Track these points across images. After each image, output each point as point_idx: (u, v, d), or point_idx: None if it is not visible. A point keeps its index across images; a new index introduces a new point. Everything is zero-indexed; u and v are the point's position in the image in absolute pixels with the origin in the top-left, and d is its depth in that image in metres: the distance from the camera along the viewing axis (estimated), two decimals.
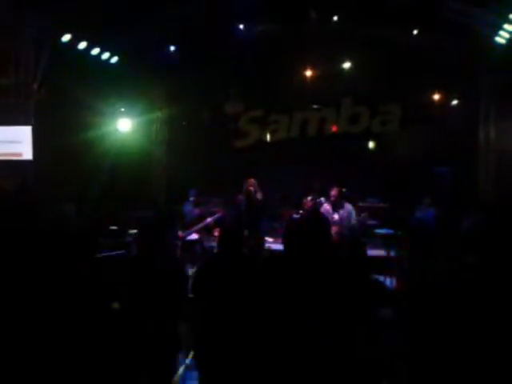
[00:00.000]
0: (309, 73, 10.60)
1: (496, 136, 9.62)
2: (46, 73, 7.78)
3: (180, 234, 7.66)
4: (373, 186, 10.17)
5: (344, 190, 8.19)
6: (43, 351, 2.51)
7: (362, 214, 7.81)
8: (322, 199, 8.05)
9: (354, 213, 7.70)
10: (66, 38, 7.92)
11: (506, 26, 8.10)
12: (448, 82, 10.05)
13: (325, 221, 3.06)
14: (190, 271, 5.72)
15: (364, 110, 10.94)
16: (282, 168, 10.17)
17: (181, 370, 4.36)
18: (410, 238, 7.45)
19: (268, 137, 11.34)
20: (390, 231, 8.53)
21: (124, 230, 7.92)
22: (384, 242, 8.35)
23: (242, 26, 9.24)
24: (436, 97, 10.45)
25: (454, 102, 10.40)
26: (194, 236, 7.79)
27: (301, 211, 8.28)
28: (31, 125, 7.64)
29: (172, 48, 9.52)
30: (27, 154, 7.60)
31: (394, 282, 6.92)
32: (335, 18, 9.23)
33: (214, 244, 4.80)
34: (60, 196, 7.54)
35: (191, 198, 7.98)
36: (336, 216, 7.54)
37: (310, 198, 8.26)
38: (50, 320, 2.67)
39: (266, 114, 11.18)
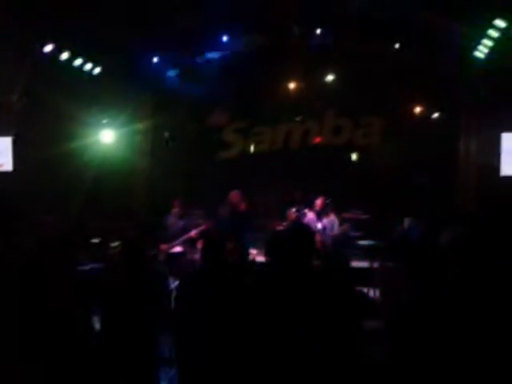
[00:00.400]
0: (292, 85, 10.68)
1: (476, 149, 9.78)
2: (27, 83, 7.70)
3: (163, 246, 7.60)
4: (356, 198, 10.23)
5: (329, 200, 8.33)
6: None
7: (344, 225, 7.99)
8: (306, 210, 8.14)
9: (337, 223, 7.87)
10: (48, 48, 7.86)
11: (485, 41, 8.27)
12: (429, 96, 10.22)
13: (310, 234, 3.06)
14: (174, 284, 5.66)
15: (346, 123, 11.05)
16: (266, 179, 10.18)
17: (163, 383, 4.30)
18: (393, 250, 7.52)
19: (252, 148, 11.36)
20: (373, 243, 8.61)
21: (106, 243, 7.82)
22: (367, 254, 8.40)
23: (225, 38, 9.27)
24: (417, 110, 10.60)
25: (435, 115, 10.56)
26: (178, 248, 7.73)
27: (285, 223, 8.31)
28: (12, 136, 7.54)
29: (156, 59, 9.50)
30: (7, 165, 7.50)
31: (378, 293, 6.94)
32: (318, 32, 9.32)
33: (198, 256, 4.76)
34: (41, 207, 7.42)
35: (175, 210, 7.92)
36: (319, 225, 7.78)
37: (294, 209, 8.34)
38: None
39: (249, 125, 11.21)
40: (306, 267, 2.99)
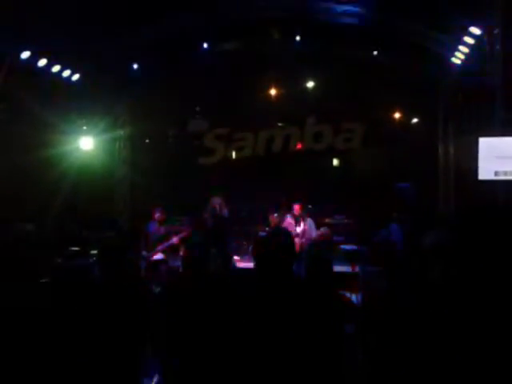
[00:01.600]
0: (273, 91, 10.73)
1: (454, 153, 9.93)
2: (4, 90, 7.57)
3: (144, 253, 7.53)
4: (337, 203, 10.30)
5: (310, 206, 8.42)
6: None
7: (323, 229, 8.17)
8: (287, 215, 8.25)
9: (314, 227, 8.24)
10: (26, 54, 7.75)
11: (461, 48, 8.42)
12: (408, 101, 10.37)
13: (289, 235, 3.06)
14: (155, 291, 5.60)
15: (327, 128, 11.12)
16: (248, 185, 10.17)
17: None
18: (375, 254, 7.57)
19: (233, 154, 11.35)
20: (355, 247, 8.66)
21: (86, 251, 7.71)
22: (349, 258, 8.45)
23: (206, 45, 9.27)
24: (397, 115, 10.75)
25: (415, 120, 10.71)
26: (160, 256, 7.67)
27: (267, 228, 8.33)
28: None
29: (135, 66, 9.44)
30: None
31: (359, 297, 6.97)
32: (298, 38, 9.39)
33: (180, 263, 4.73)
34: (19, 215, 7.29)
35: (156, 217, 7.84)
36: (298, 229, 7.95)
37: (275, 214, 8.40)
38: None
39: (231, 131, 11.20)
40: (288, 270, 2.99)
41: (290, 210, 8.49)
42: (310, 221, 8.31)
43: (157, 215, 7.80)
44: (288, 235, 3.07)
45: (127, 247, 3.73)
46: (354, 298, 7.00)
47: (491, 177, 9.09)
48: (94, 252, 7.60)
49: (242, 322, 2.93)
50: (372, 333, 3.09)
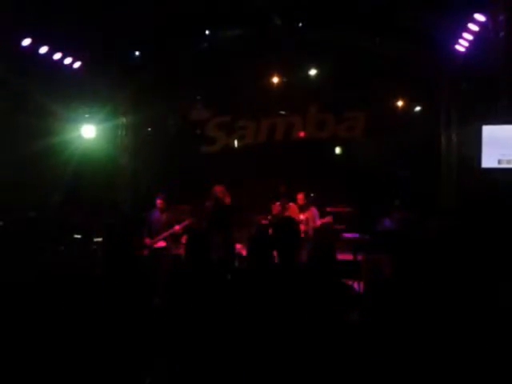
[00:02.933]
0: (275, 79, 10.66)
1: (457, 141, 9.89)
2: (5, 78, 7.54)
3: (147, 241, 7.55)
4: (340, 191, 10.29)
5: (312, 194, 8.46)
6: None
7: (326, 217, 8.23)
8: (290, 204, 8.29)
9: (317, 215, 8.34)
10: (26, 42, 7.70)
11: (465, 35, 8.34)
12: (411, 89, 10.30)
13: (295, 223, 3.06)
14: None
15: (330, 117, 11.07)
16: (250, 174, 10.16)
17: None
18: (377, 242, 7.59)
19: (235, 143, 11.32)
20: (357, 235, 8.68)
21: (89, 238, 7.74)
22: (351, 247, 8.46)
23: (207, 32, 9.19)
24: (399, 103, 10.68)
25: (417, 109, 10.65)
26: (162, 243, 7.68)
27: (269, 217, 8.34)
28: None
29: (137, 53, 9.38)
30: None
31: (362, 286, 6.99)
32: (300, 25, 9.31)
33: (182, 251, 4.74)
34: (21, 203, 7.31)
35: (158, 205, 7.84)
36: (302, 216, 8.02)
37: (278, 203, 8.42)
38: None
39: (233, 119, 11.15)
40: (291, 258, 3.00)
41: (289, 198, 8.50)
42: (313, 209, 8.34)
43: (159, 203, 7.80)
44: (292, 221, 3.08)
45: (131, 234, 3.74)
46: (356, 285, 7.02)
47: (494, 165, 9.07)
48: (97, 239, 7.66)
49: (244, 310, 2.97)
50: (377, 320, 3.11)
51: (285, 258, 2.99)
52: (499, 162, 8.09)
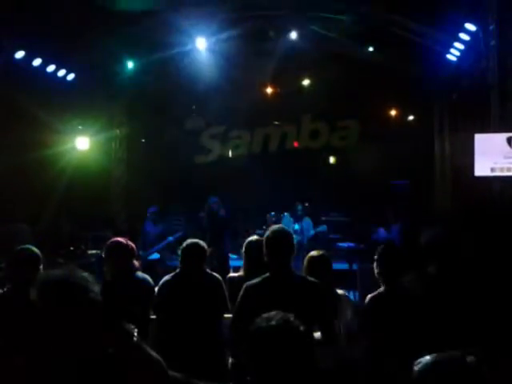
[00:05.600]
0: (269, 90, 10.69)
1: (450, 150, 9.92)
2: None
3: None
4: (335, 201, 10.29)
5: (306, 204, 8.45)
6: None
7: (320, 228, 8.26)
8: (285, 214, 8.30)
9: (311, 225, 8.39)
10: (20, 54, 7.69)
11: (456, 44, 8.41)
12: (403, 98, 10.35)
13: (289, 234, 3.05)
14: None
15: (323, 126, 11.11)
16: (245, 184, 10.14)
17: None
18: (372, 251, 7.56)
19: (230, 153, 11.32)
20: (352, 245, 8.66)
21: (83, 251, 7.68)
22: (346, 256, 8.45)
23: (202, 42, 9.18)
24: (393, 112, 10.73)
25: (411, 118, 10.70)
26: (156, 255, 7.63)
27: (264, 227, 8.32)
28: None
29: (131, 64, 9.37)
30: None
31: (357, 295, 6.96)
32: (293, 37, 9.33)
33: (177, 263, 4.71)
34: (14, 215, 7.25)
35: (151, 215, 7.80)
36: (296, 226, 8.03)
37: (273, 213, 8.42)
38: None
39: (227, 129, 11.17)
40: (287, 268, 2.98)
41: (286, 208, 8.51)
42: (307, 220, 8.35)
43: (152, 214, 7.76)
44: (286, 232, 3.07)
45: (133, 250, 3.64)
46: (351, 295, 6.99)
47: (487, 173, 9.09)
48: (92, 252, 7.59)
49: (238, 319, 2.92)
50: (376, 330, 3.08)
51: (278, 267, 2.97)
52: (492, 170, 8.12)
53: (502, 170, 8.04)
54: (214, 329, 3.56)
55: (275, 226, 3.19)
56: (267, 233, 3.05)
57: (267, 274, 2.96)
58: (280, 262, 2.95)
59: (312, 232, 8.29)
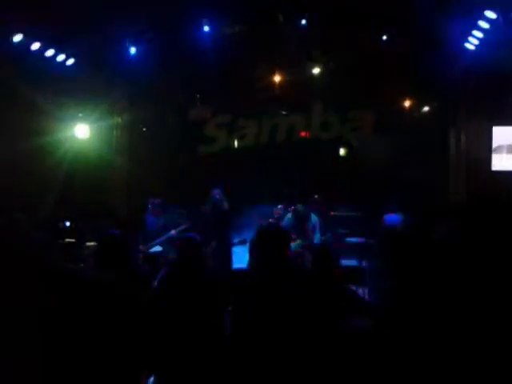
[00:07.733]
0: (277, 78, 10.34)
1: (466, 142, 9.64)
2: None
3: (142, 247, 7.27)
4: (344, 194, 9.98)
5: (316, 196, 8.15)
6: None
7: (327, 235, 7.93)
8: (293, 207, 7.94)
9: (318, 225, 7.84)
10: (18, 38, 7.41)
11: (475, 33, 8.09)
12: (418, 89, 10.01)
13: (280, 233, 3.05)
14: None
15: (335, 116, 10.77)
16: (250, 175, 9.84)
17: None
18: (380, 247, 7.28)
19: (236, 143, 11.00)
20: (362, 240, 8.39)
21: (81, 243, 7.46)
22: (355, 251, 8.17)
23: (207, 28, 8.89)
24: (407, 103, 10.36)
25: (425, 108, 10.35)
26: (158, 248, 7.43)
27: (271, 220, 8.04)
28: None
29: (133, 49, 9.08)
30: None
31: (367, 292, 6.71)
32: (304, 22, 9.01)
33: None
34: (10, 205, 7.02)
35: (152, 207, 7.57)
36: None
37: (280, 206, 8.17)
38: None
39: (233, 119, 10.84)
40: (283, 264, 2.93)
41: (292, 200, 8.17)
42: (314, 218, 7.95)
43: (154, 207, 7.53)
44: (282, 232, 3.06)
45: (127, 239, 3.55)
46: (360, 291, 6.73)
47: (504, 167, 8.78)
48: (89, 244, 7.34)
49: (241, 316, 2.94)
50: (386, 328, 2.92)
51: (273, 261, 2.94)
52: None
53: None
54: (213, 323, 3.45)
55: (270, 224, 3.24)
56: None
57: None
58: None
59: (318, 237, 7.86)
